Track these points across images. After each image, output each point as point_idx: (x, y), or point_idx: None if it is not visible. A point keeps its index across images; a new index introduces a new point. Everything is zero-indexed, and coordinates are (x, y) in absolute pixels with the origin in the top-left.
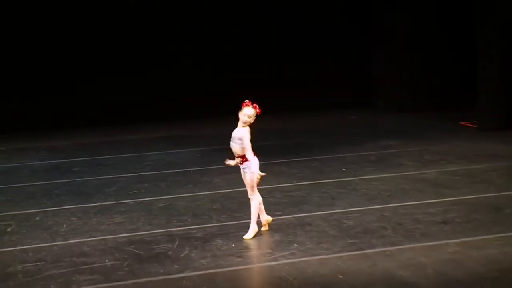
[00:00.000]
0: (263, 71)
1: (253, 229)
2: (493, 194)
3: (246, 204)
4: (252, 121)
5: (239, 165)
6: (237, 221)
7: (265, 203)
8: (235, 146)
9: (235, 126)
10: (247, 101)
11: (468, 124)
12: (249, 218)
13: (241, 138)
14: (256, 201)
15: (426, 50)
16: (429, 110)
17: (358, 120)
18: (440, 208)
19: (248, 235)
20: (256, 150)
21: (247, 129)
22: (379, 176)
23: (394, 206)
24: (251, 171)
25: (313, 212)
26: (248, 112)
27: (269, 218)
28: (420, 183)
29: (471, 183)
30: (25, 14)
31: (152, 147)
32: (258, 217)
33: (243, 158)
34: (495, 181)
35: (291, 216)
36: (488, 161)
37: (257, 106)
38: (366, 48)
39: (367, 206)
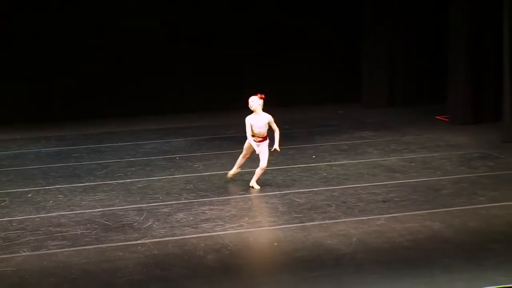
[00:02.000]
0: (258, 65)
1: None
2: (437, 178)
3: (217, 185)
4: (252, 107)
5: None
6: (202, 199)
7: (235, 184)
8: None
9: (229, 117)
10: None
11: (442, 118)
12: (214, 197)
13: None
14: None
15: (405, 47)
16: (411, 105)
17: (344, 114)
18: (385, 189)
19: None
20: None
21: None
22: (343, 162)
23: (345, 187)
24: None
25: (273, 192)
26: (250, 101)
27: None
28: (377, 169)
29: (422, 169)
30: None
31: (150, 137)
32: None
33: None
34: (444, 168)
35: (253, 195)
36: (446, 151)
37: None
38: (358, 46)
39: (321, 187)
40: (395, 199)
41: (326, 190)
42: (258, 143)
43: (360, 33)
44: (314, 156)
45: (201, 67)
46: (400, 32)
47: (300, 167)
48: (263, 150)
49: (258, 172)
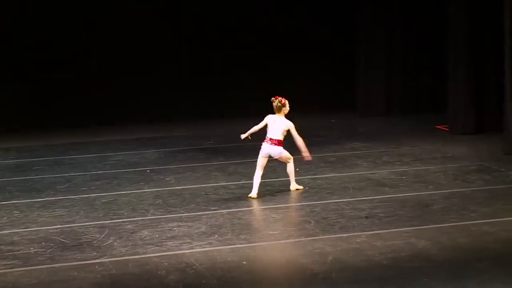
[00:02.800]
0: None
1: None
2: (428, 192)
3: (188, 200)
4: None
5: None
6: (171, 215)
7: (208, 199)
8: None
9: (208, 126)
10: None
11: (442, 128)
12: (184, 212)
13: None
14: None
15: (405, 50)
16: (410, 113)
17: (336, 123)
18: (370, 204)
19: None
20: (224, 151)
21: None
22: (328, 175)
23: (327, 202)
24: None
25: (249, 207)
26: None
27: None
28: (364, 182)
29: (413, 182)
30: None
31: (119, 148)
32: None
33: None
34: (437, 181)
35: (225, 210)
36: (442, 163)
37: (279, 98)
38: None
39: (302, 202)
40: (380, 214)
41: (307, 205)
42: (270, 145)
43: (356, 36)
44: (297, 169)
45: (179, 71)
46: (399, 35)
47: (281, 180)
48: (280, 154)
49: (290, 172)
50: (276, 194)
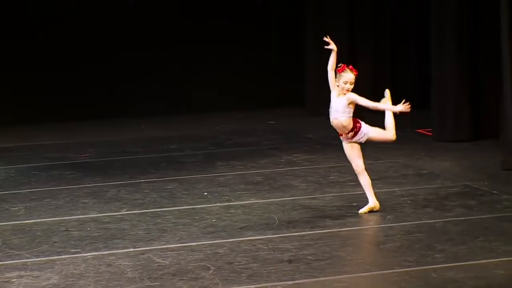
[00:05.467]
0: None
1: (372, 202)
2: (385, 225)
3: (40, 239)
4: (352, 87)
5: (348, 139)
6: (12, 260)
7: (68, 238)
8: (340, 120)
9: (83, 134)
10: (342, 64)
11: (425, 132)
12: (31, 257)
13: (352, 100)
14: (365, 174)
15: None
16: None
17: (274, 126)
18: (298, 243)
19: (367, 208)
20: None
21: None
22: (248, 202)
23: (233, 240)
24: (363, 137)
25: (125, 248)
26: (349, 78)
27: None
28: (297, 211)
29: (370, 213)
30: None
31: None
32: None
33: (354, 128)
34: (401, 210)
35: (90, 254)
36: (412, 183)
37: (353, 68)
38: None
39: (202, 241)
40: (310, 257)
41: (210, 244)
42: (343, 139)
43: (304, 10)
44: (206, 193)
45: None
46: (362, 10)
47: (178, 210)
48: (352, 153)
49: (365, 186)
50: (166, 230)
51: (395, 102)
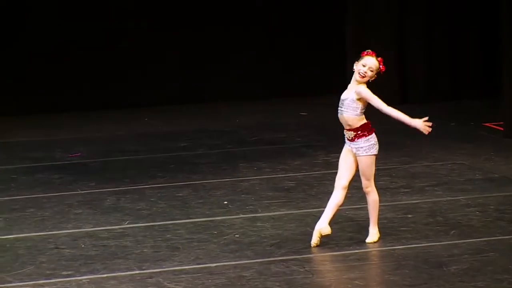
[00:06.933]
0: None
1: (375, 232)
2: (448, 242)
3: (23, 258)
4: (372, 78)
5: (350, 142)
6: None
7: (59, 257)
8: (347, 113)
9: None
10: (369, 50)
11: (494, 127)
12: (9, 281)
13: (359, 94)
14: (376, 194)
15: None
16: (436, 99)
17: (308, 118)
18: (343, 264)
19: (372, 238)
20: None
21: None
22: (279, 213)
23: (270, 260)
24: (371, 152)
25: (128, 271)
26: (370, 63)
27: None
28: (339, 225)
29: (425, 224)
30: None
31: None
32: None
33: (359, 131)
34: (467, 223)
35: (86, 277)
36: (481, 190)
37: (382, 61)
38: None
39: (222, 262)
40: (356, 281)
41: (233, 266)
42: (347, 141)
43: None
44: (226, 202)
45: None
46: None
47: (193, 222)
48: (345, 161)
49: (372, 209)
50: (178, 247)
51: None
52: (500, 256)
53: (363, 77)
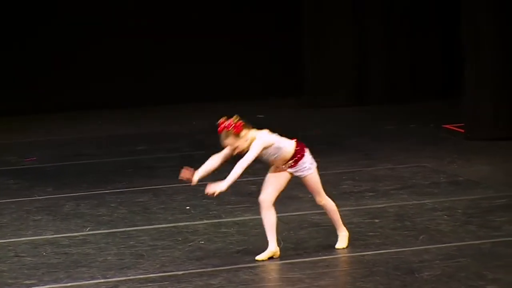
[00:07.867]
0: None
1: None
2: (418, 248)
3: None
4: (244, 138)
5: (291, 169)
6: None
7: (21, 265)
8: (273, 158)
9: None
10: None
11: (455, 129)
12: None
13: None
14: (330, 202)
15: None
16: (397, 101)
17: (265, 121)
18: (312, 271)
19: (342, 244)
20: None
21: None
22: (244, 218)
23: (238, 268)
24: (313, 166)
25: (92, 279)
26: (230, 141)
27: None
28: (306, 230)
29: (393, 229)
30: None
31: None
32: None
33: (295, 157)
34: (435, 228)
35: (49, 286)
36: (447, 194)
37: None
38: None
39: (188, 269)
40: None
41: (199, 273)
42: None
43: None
44: (188, 207)
45: None
46: None
47: (155, 229)
48: (273, 181)
49: (332, 216)
50: (143, 254)
51: (414, 90)
52: (472, 262)
53: (241, 151)
